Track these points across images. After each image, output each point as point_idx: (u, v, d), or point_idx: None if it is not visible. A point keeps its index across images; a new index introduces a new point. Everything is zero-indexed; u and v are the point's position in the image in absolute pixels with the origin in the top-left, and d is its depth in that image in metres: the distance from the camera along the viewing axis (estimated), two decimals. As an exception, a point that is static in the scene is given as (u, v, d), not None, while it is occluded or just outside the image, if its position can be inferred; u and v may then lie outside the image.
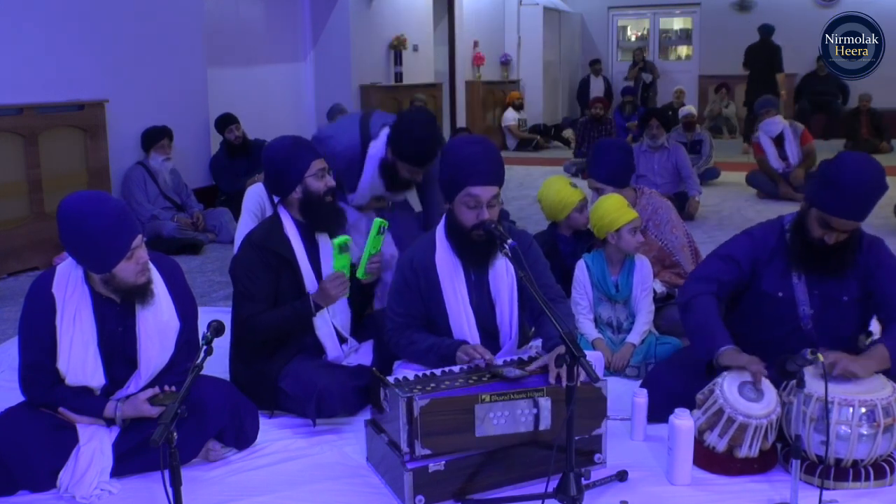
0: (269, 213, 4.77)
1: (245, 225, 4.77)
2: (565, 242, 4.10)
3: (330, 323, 3.18)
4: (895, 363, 2.62)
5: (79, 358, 2.59)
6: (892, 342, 2.65)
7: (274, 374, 3.07)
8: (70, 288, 2.61)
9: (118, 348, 2.66)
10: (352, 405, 3.04)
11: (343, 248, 3.04)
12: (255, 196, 4.93)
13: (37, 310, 2.60)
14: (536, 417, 2.50)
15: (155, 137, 6.58)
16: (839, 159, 2.74)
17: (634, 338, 3.56)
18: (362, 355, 3.25)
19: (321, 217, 3.15)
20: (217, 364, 3.05)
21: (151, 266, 2.67)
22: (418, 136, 3.53)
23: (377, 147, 3.67)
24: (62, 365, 2.59)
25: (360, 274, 3.09)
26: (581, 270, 3.67)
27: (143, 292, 2.62)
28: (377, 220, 3.07)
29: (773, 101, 8.74)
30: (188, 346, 2.75)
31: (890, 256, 2.86)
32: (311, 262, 3.16)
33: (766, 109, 8.22)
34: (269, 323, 3.06)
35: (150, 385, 2.68)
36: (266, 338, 3.09)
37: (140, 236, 2.56)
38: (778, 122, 8.01)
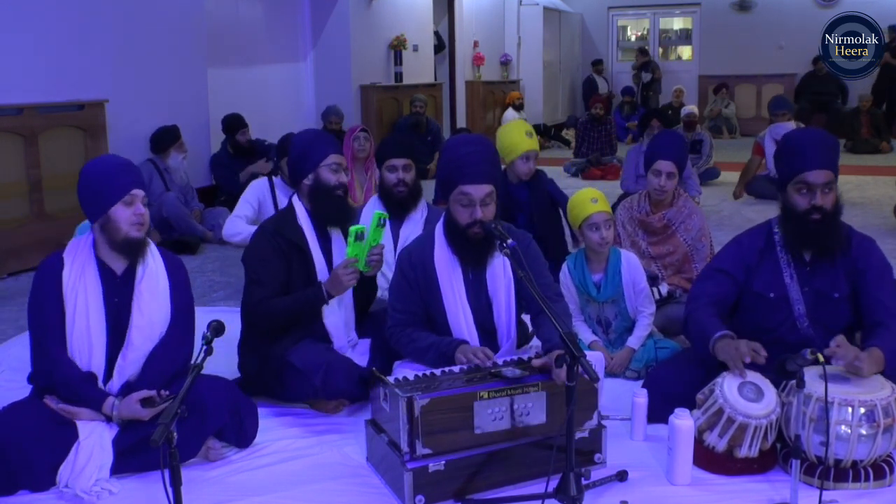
0: (266, 207, 4.81)
1: (240, 209, 4.79)
2: (515, 190, 4.27)
3: (339, 313, 3.22)
4: (891, 366, 2.60)
5: (83, 317, 2.67)
6: (887, 345, 2.62)
7: (282, 350, 3.11)
8: (80, 252, 2.74)
9: (114, 320, 2.71)
10: (355, 388, 3.06)
11: (358, 237, 3.05)
12: (256, 188, 4.96)
13: (46, 275, 2.70)
14: (532, 412, 2.52)
15: (174, 136, 6.60)
16: (783, 136, 3.04)
17: (634, 342, 3.51)
18: (359, 354, 3.26)
19: (327, 207, 3.20)
20: (218, 364, 3.05)
21: (155, 251, 2.80)
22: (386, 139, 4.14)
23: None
24: (68, 324, 2.66)
25: (360, 266, 3.10)
26: (564, 274, 3.60)
27: (137, 247, 2.72)
28: (377, 213, 3.09)
29: (788, 102, 8.29)
30: (182, 338, 2.80)
31: (879, 258, 2.85)
32: (323, 252, 3.21)
33: (781, 112, 7.75)
34: (280, 308, 3.10)
35: (142, 377, 2.71)
36: (275, 324, 3.12)
37: (143, 194, 2.71)
38: (791, 128, 7.70)
